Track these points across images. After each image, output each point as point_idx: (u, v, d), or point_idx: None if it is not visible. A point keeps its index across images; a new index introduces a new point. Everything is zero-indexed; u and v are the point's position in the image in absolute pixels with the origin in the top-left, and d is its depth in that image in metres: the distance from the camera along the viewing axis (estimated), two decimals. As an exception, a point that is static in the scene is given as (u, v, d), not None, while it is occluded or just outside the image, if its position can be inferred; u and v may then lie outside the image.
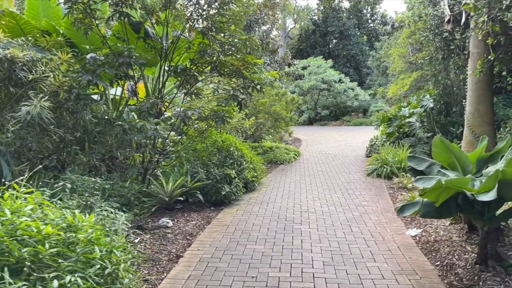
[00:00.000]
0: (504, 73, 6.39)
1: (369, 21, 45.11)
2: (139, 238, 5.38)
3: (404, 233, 5.56)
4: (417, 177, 4.63)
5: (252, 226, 6.06)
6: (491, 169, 4.47)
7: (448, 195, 3.95)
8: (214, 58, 7.39)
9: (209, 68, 7.51)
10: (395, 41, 15.91)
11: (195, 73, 7.78)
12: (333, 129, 26.97)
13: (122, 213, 5.44)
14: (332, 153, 14.54)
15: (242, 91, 7.12)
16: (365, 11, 44.43)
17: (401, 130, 12.24)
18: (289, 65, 19.40)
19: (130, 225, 5.69)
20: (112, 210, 5.17)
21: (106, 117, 7.04)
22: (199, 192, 6.97)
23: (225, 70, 7.70)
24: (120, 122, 6.61)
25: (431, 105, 11.22)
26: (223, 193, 7.14)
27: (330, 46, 40.30)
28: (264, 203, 7.44)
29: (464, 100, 13.48)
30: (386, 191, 8.25)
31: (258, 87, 7.67)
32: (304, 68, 31.49)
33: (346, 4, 42.61)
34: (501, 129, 8.56)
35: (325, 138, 20.50)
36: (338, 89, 29.80)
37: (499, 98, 12.10)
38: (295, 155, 13.55)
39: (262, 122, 11.70)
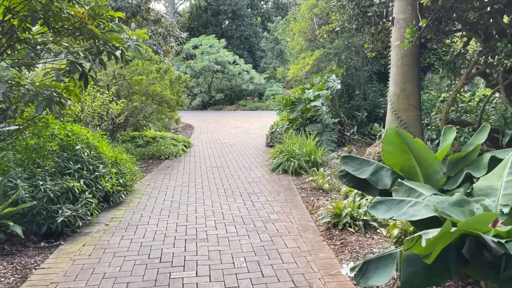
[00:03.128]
0: (448, 41, 4.95)
1: (262, 2, 44.07)
2: None
3: (339, 273, 3.70)
4: (375, 199, 2.72)
5: (101, 282, 3.60)
6: (484, 183, 2.75)
7: (447, 242, 2.09)
8: (52, 7, 4.58)
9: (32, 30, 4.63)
10: (294, 16, 14.42)
11: (15, 29, 4.84)
12: (229, 114, 25.09)
13: None
14: (229, 142, 12.51)
15: (82, 55, 4.43)
16: (258, -9, 43.20)
17: (304, 115, 10.71)
18: (177, 39, 16.69)
19: None
20: None
21: None
22: (12, 223, 4.19)
23: (64, 25, 4.93)
24: None
25: (338, 87, 9.85)
26: (60, 219, 4.47)
27: (223, 26, 38.13)
28: (131, 227, 4.98)
29: (371, 82, 12.66)
30: (298, 194, 6.45)
31: (118, 52, 5.05)
32: (195, 47, 28.82)
33: (238, -18, 40.71)
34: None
35: (221, 124, 18.45)
36: (232, 71, 27.89)
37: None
38: (185, 146, 11.17)
39: (137, 106, 9.01)
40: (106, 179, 5.58)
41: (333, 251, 4.19)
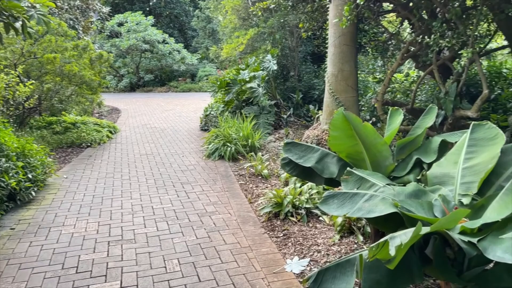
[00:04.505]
0: (386, 19, 4.78)
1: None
2: None
3: (283, 270, 3.40)
4: (326, 193, 2.40)
5: (-2, 305, 2.93)
6: (439, 170, 2.55)
7: (410, 243, 1.82)
8: None
9: None
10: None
11: None
12: (160, 96, 23.84)
13: None
14: (160, 127, 11.72)
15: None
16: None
17: (240, 97, 10.30)
18: (99, 13, 15.15)
19: None
20: None
21: None
22: None
23: None
24: None
25: (275, 67, 9.55)
26: None
27: (151, 3, 35.93)
28: (42, 230, 4.25)
29: (305, 63, 12.53)
30: (236, 181, 6.08)
31: (18, 24, 4.17)
32: (120, 24, 26.77)
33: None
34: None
35: (151, 107, 17.38)
36: (162, 51, 26.42)
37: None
38: (110, 132, 10.21)
39: (50, 87, 7.88)
40: (10, 174, 4.71)
41: (275, 245, 3.89)
